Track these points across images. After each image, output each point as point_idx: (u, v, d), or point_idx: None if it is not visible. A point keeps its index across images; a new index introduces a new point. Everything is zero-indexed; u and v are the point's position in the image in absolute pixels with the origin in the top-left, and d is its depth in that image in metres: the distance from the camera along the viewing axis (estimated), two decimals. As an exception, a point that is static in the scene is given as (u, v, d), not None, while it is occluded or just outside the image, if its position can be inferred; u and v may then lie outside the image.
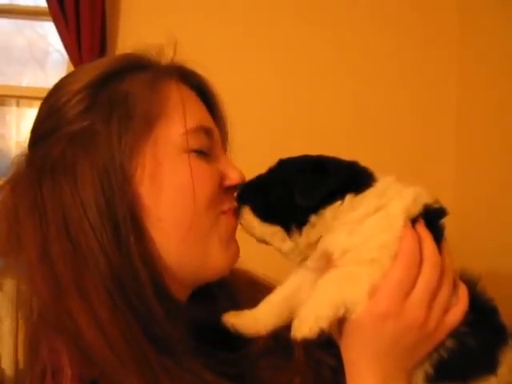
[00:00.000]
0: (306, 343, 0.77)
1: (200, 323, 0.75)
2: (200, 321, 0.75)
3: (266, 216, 0.72)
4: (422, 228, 0.67)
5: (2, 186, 0.74)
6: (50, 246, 0.67)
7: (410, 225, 0.66)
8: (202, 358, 0.68)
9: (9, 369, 2.11)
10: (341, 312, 0.64)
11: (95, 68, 0.75)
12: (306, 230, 0.69)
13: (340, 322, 0.67)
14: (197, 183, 0.72)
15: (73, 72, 0.80)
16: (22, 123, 2.68)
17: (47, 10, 2.16)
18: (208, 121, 0.79)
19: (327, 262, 0.69)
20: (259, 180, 0.76)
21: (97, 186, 0.67)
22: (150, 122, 0.72)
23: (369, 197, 0.68)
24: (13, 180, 0.74)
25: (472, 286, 0.72)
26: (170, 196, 0.71)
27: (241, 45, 2.26)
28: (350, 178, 0.69)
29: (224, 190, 0.77)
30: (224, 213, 0.77)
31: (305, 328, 0.63)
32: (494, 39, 2.03)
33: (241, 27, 2.28)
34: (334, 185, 0.67)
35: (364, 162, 0.73)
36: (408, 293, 0.64)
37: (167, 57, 0.80)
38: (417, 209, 0.67)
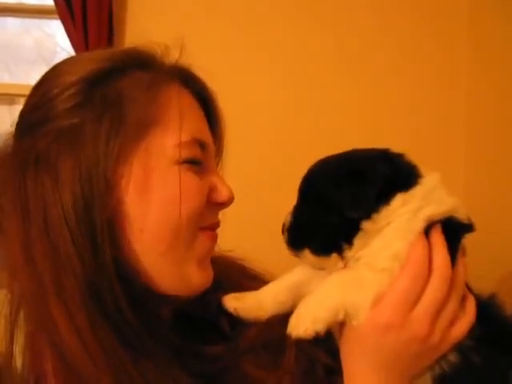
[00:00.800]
0: (300, 342, 0.76)
1: (186, 315, 0.73)
2: (186, 313, 0.73)
3: (324, 251, 0.68)
4: (437, 235, 0.64)
5: None
6: (32, 244, 0.65)
7: (422, 233, 0.63)
8: (184, 356, 0.67)
9: (20, 367, 2.12)
10: (340, 317, 0.62)
11: (93, 61, 0.71)
12: (357, 239, 0.65)
13: (342, 327, 0.65)
14: (184, 198, 0.69)
15: (69, 60, 0.75)
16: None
17: (54, 8, 2.16)
18: (204, 133, 0.76)
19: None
20: (301, 216, 0.70)
21: (77, 189, 0.64)
22: (142, 129, 0.68)
23: (417, 195, 0.64)
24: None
25: (488, 301, 0.69)
26: (157, 208, 0.68)
27: (246, 41, 2.25)
28: (393, 175, 0.65)
29: (209, 205, 0.74)
30: (202, 229, 0.73)
31: (300, 328, 0.61)
32: (504, 38, 2.01)
33: (247, 23, 2.27)
34: (376, 189, 0.64)
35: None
36: (413, 304, 0.62)
37: (172, 58, 0.76)
38: (438, 216, 0.64)
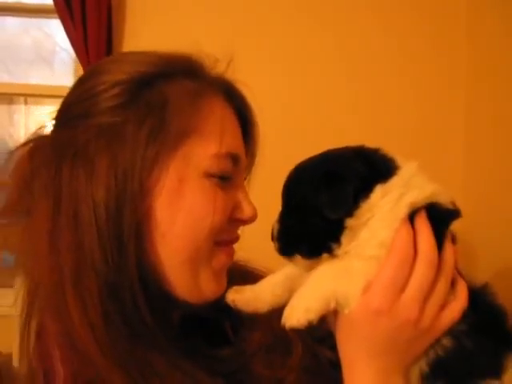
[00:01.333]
0: (303, 336, 0.78)
1: (193, 317, 0.74)
2: (193, 314, 0.74)
3: (313, 254, 0.68)
4: (421, 221, 0.64)
5: (24, 145, 0.73)
6: (58, 234, 0.66)
7: (407, 219, 0.64)
8: (195, 355, 0.68)
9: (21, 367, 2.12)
10: (331, 306, 0.63)
11: (141, 63, 0.71)
12: (344, 237, 0.66)
13: (336, 316, 0.66)
14: (209, 213, 0.69)
15: (117, 58, 0.76)
16: (29, 121, 2.70)
17: (54, 8, 2.17)
18: (240, 149, 0.76)
19: None
20: (286, 223, 0.71)
21: (110, 188, 0.65)
22: (182, 137, 0.69)
23: (396, 184, 0.65)
24: (34, 148, 0.72)
25: (482, 289, 0.70)
26: (182, 218, 0.68)
27: (247, 45, 2.24)
28: (368, 170, 0.65)
29: (230, 221, 0.74)
30: (220, 244, 0.73)
31: (294, 318, 0.62)
32: (503, 38, 2.02)
33: (248, 27, 2.27)
34: (354, 185, 0.64)
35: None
36: (401, 289, 0.62)
37: (218, 69, 0.76)
38: (421, 202, 0.65)
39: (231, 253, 0.77)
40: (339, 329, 0.67)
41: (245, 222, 0.76)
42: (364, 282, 0.63)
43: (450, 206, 0.67)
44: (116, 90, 0.68)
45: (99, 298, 0.64)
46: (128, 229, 0.65)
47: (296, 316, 0.62)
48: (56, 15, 2.17)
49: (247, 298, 0.73)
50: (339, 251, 0.66)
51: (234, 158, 0.73)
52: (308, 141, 2.13)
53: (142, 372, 0.64)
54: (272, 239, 0.72)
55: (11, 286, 2.06)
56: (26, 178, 0.70)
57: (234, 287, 0.74)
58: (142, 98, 0.68)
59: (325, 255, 0.67)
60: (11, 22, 2.65)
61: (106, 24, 2.15)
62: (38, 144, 0.72)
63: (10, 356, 2.07)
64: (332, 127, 2.21)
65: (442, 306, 0.65)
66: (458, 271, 0.68)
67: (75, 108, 0.71)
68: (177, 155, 0.68)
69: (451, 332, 0.65)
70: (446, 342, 0.66)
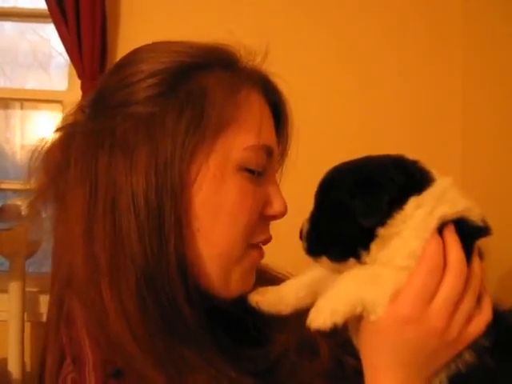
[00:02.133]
0: (329, 341, 0.78)
1: (220, 317, 0.73)
2: (220, 313, 0.73)
3: (341, 258, 0.68)
4: (450, 233, 0.65)
5: (59, 130, 0.72)
6: (94, 222, 0.65)
7: (437, 231, 0.64)
8: (226, 353, 0.68)
9: (16, 372, 2.12)
10: (358, 310, 0.63)
11: (178, 53, 0.71)
12: (374, 245, 0.66)
13: (359, 323, 0.66)
14: (243, 210, 0.69)
15: (154, 47, 0.74)
16: (26, 126, 2.69)
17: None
18: (274, 142, 0.76)
19: None
20: (318, 224, 0.71)
21: (150, 178, 0.65)
22: (220, 129, 0.68)
23: (430, 197, 0.65)
24: (67, 135, 0.71)
25: (505, 311, 0.70)
26: (217, 214, 0.68)
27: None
28: (405, 181, 0.65)
29: (262, 217, 0.74)
30: (253, 246, 0.74)
31: (319, 320, 0.63)
32: (499, 33, 2.03)
33: (242, 29, 2.28)
34: (390, 195, 0.64)
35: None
36: (430, 299, 0.63)
37: (254, 61, 0.76)
38: (452, 216, 0.65)
39: (262, 252, 0.76)
40: (364, 336, 0.67)
41: (274, 218, 0.76)
42: (393, 291, 0.63)
43: (480, 223, 0.67)
44: (154, 80, 0.68)
45: (136, 289, 0.64)
46: (169, 221, 0.64)
47: (322, 318, 0.63)
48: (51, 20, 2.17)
49: (270, 300, 0.74)
50: (367, 258, 0.66)
51: (269, 151, 0.73)
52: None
53: (177, 367, 0.64)
54: (300, 238, 0.72)
55: (5, 291, 2.06)
56: (60, 165, 0.70)
57: (259, 289, 0.74)
58: (180, 89, 0.68)
59: (351, 260, 0.67)
60: (7, 25, 2.65)
61: (100, 29, 2.14)
62: (70, 131, 0.72)
63: (5, 361, 2.07)
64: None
65: (469, 319, 0.65)
66: (484, 287, 0.68)
67: (111, 97, 0.70)
68: (215, 147, 0.68)
69: (474, 347, 0.65)
70: (469, 356, 0.65)
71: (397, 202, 0.64)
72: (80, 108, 0.74)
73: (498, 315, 0.67)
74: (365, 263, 0.67)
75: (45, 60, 2.73)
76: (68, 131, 0.72)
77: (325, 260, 0.70)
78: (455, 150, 2.26)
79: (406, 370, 0.64)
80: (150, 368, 0.63)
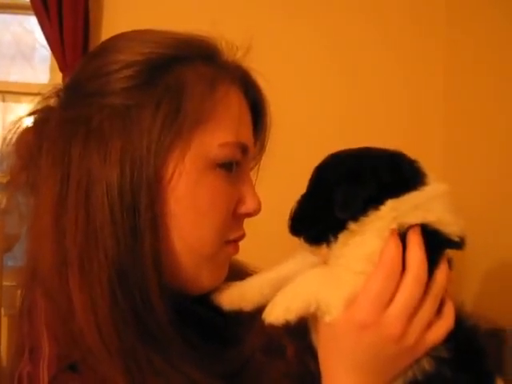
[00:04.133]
0: (296, 343, 0.77)
1: (188, 315, 0.72)
2: (188, 312, 0.73)
3: (315, 241, 0.70)
4: (413, 236, 0.63)
5: (32, 113, 0.71)
6: (65, 213, 0.63)
7: (396, 232, 0.63)
8: (193, 355, 0.66)
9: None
10: (312, 309, 0.63)
11: (157, 44, 0.69)
12: (343, 236, 0.66)
13: (318, 325, 0.66)
14: (213, 207, 0.68)
15: (131, 36, 0.72)
16: (7, 119, 2.66)
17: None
18: (250, 139, 0.74)
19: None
20: (303, 206, 0.72)
21: (125, 171, 0.63)
22: (197, 124, 0.66)
23: (407, 202, 0.64)
24: (41, 120, 0.70)
25: (470, 326, 0.70)
26: (189, 211, 0.67)
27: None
28: (391, 180, 0.65)
29: (236, 215, 0.73)
30: (228, 243, 0.73)
31: (273, 314, 0.63)
32: (481, 25, 2.06)
33: (229, 26, 2.28)
34: (368, 193, 0.64)
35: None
36: (387, 303, 0.61)
37: (235, 56, 0.74)
38: (415, 221, 0.64)
39: (237, 248, 0.75)
40: (321, 339, 0.67)
41: (248, 215, 0.75)
42: (349, 293, 0.62)
43: (453, 237, 0.65)
44: (130, 71, 0.66)
45: (108, 284, 0.62)
46: (144, 217, 0.63)
47: (275, 313, 0.63)
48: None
49: (232, 296, 0.73)
50: (335, 247, 0.67)
51: (244, 149, 0.71)
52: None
53: (140, 368, 0.62)
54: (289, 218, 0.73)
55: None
56: (32, 151, 0.68)
57: (221, 285, 0.74)
58: (157, 82, 0.66)
59: (324, 246, 0.68)
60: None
61: (82, 22, 2.13)
62: (44, 116, 0.70)
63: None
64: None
65: (428, 326, 0.63)
66: (449, 296, 0.67)
67: (87, 84, 0.68)
68: (191, 143, 0.66)
69: (433, 356, 0.65)
70: (427, 364, 0.65)
71: (374, 201, 0.64)
72: (56, 93, 0.72)
73: (461, 324, 0.66)
74: (332, 252, 0.67)
75: (28, 52, 2.71)
76: (42, 116, 0.70)
77: (302, 241, 0.71)
78: (437, 146, 2.29)
79: (362, 375, 0.63)
80: (111, 366, 0.61)
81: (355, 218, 0.64)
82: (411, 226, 0.63)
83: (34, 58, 2.72)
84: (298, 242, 0.72)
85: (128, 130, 0.64)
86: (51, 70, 2.32)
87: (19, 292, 0.72)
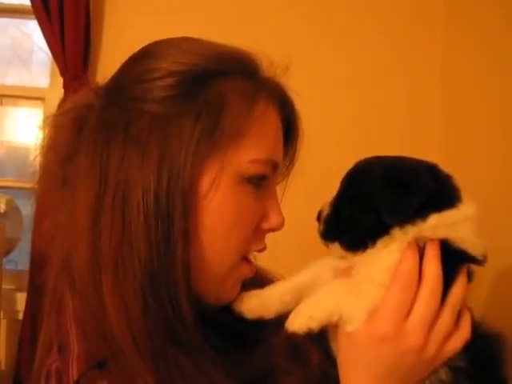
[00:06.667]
0: (318, 349, 0.77)
1: (213, 322, 0.73)
2: (213, 319, 0.73)
3: (352, 248, 0.70)
4: (431, 248, 0.65)
5: (71, 110, 0.72)
6: (101, 214, 0.65)
7: (414, 245, 0.65)
8: (219, 359, 0.67)
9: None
10: (335, 319, 0.64)
11: (200, 56, 0.69)
12: (381, 242, 0.67)
13: (339, 335, 0.67)
14: (237, 221, 0.69)
15: (176, 43, 0.72)
16: (5, 122, 2.66)
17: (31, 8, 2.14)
18: (280, 156, 0.75)
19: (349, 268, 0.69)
20: (339, 210, 0.71)
21: (162, 178, 0.64)
22: (234, 139, 0.67)
23: (445, 220, 0.65)
24: (79, 118, 0.70)
25: (489, 336, 0.71)
26: (216, 224, 0.68)
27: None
28: (437, 191, 0.66)
29: (259, 230, 0.73)
30: (245, 259, 0.74)
31: (296, 323, 0.64)
32: (479, 26, 2.07)
33: (230, 29, 2.28)
34: (419, 202, 0.64)
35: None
36: (406, 315, 0.63)
37: (275, 74, 0.75)
38: (436, 235, 0.65)
39: (253, 269, 0.76)
40: (342, 349, 0.67)
41: (271, 231, 0.75)
42: (371, 305, 0.64)
43: (478, 256, 0.67)
44: (171, 81, 0.67)
45: (140, 286, 0.63)
46: (178, 226, 0.64)
47: (298, 321, 0.64)
48: (34, 16, 2.15)
49: (253, 305, 0.74)
50: (370, 252, 0.67)
51: (274, 166, 0.72)
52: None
53: (169, 371, 0.64)
54: (318, 220, 0.73)
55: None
56: (70, 148, 0.69)
57: (242, 293, 0.75)
58: (197, 94, 0.67)
59: (359, 252, 0.68)
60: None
61: (83, 27, 2.13)
62: (82, 115, 0.71)
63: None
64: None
65: (446, 337, 0.65)
66: (467, 307, 0.69)
67: (128, 88, 0.69)
68: (226, 158, 0.67)
69: (450, 366, 0.66)
70: (444, 374, 0.66)
71: (423, 211, 0.65)
72: (95, 91, 0.73)
73: (477, 334, 0.67)
74: (363, 260, 0.68)
75: (26, 55, 2.71)
76: (81, 113, 0.71)
77: (337, 246, 0.71)
78: (434, 147, 2.29)
79: None
80: (140, 367, 0.63)
81: (402, 224, 0.65)
82: (430, 240, 0.65)
83: (32, 61, 2.72)
84: (313, 249, 0.72)
85: (167, 139, 0.65)
86: (52, 74, 2.32)
87: (49, 289, 0.72)
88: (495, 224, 1.86)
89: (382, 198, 0.66)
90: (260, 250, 0.76)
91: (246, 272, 0.75)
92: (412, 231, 0.65)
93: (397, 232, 0.65)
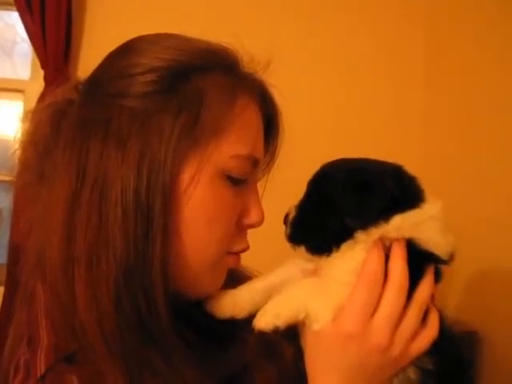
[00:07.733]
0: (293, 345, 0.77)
1: (189, 318, 0.73)
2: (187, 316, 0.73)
3: (317, 251, 0.70)
4: (397, 248, 0.65)
5: (50, 105, 0.71)
6: (78, 209, 0.64)
7: (379, 244, 0.65)
8: (193, 356, 0.67)
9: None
10: (300, 317, 0.65)
11: (181, 52, 0.69)
12: (346, 245, 0.67)
13: (305, 334, 0.68)
14: (218, 217, 0.69)
15: (155, 40, 0.72)
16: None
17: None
18: (261, 152, 0.75)
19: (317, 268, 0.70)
20: (305, 213, 0.72)
21: (142, 175, 0.64)
22: (213, 135, 0.67)
23: (410, 220, 0.65)
24: (58, 113, 0.70)
25: (454, 338, 0.72)
26: (197, 219, 0.68)
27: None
28: (400, 194, 0.66)
29: (239, 226, 0.73)
30: (230, 254, 0.73)
31: (263, 321, 0.65)
32: (462, 28, 2.11)
33: (212, 26, 2.27)
34: (382, 204, 0.65)
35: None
36: (372, 314, 0.63)
37: (255, 69, 0.74)
38: (401, 236, 0.66)
39: (238, 259, 0.76)
40: (309, 347, 0.68)
41: (251, 227, 0.75)
42: (337, 304, 0.64)
43: (442, 256, 0.67)
44: (152, 76, 0.67)
45: (114, 283, 0.63)
46: (157, 222, 0.63)
47: (265, 319, 0.65)
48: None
49: (225, 304, 0.74)
50: (335, 256, 0.67)
51: (254, 162, 0.72)
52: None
53: (140, 369, 0.63)
54: (284, 223, 0.73)
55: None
56: (48, 142, 0.69)
57: (214, 292, 0.74)
58: (177, 90, 0.66)
59: (324, 256, 0.68)
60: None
61: (65, 20, 2.12)
62: (62, 109, 0.70)
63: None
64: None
65: (413, 336, 0.65)
66: (435, 306, 0.69)
67: (109, 84, 0.69)
68: (206, 153, 0.67)
69: (418, 367, 0.67)
70: (412, 373, 0.67)
71: (386, 213, 0.65)
72: (75, 86, 0.73)
73: (445, 336, 0.68)
74: (329, 263, 0.68)
75: (8, 47, 2.67)
76: (60, 108, 0.71)
77: (303, 250, 0.71)
78: (415, 150, 2.32)
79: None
80: (109, 363, 0.62)
81: (365, 227, 0.65)
82: (396, 240, 0.65)
83: (14, 52, 2.68)
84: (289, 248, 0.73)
85: (147, 135, 0.65)
86: (33, 67, 2.29)
87: (22, 282, 0.72)
88: (475, 231, 1.88)
89: (345, 202, 0.66)
90: (243, 250, 0.76)
91: (231, 263, 0.75)
92: (376, 233, 0.65)
93: (361, 235, 0.66)
